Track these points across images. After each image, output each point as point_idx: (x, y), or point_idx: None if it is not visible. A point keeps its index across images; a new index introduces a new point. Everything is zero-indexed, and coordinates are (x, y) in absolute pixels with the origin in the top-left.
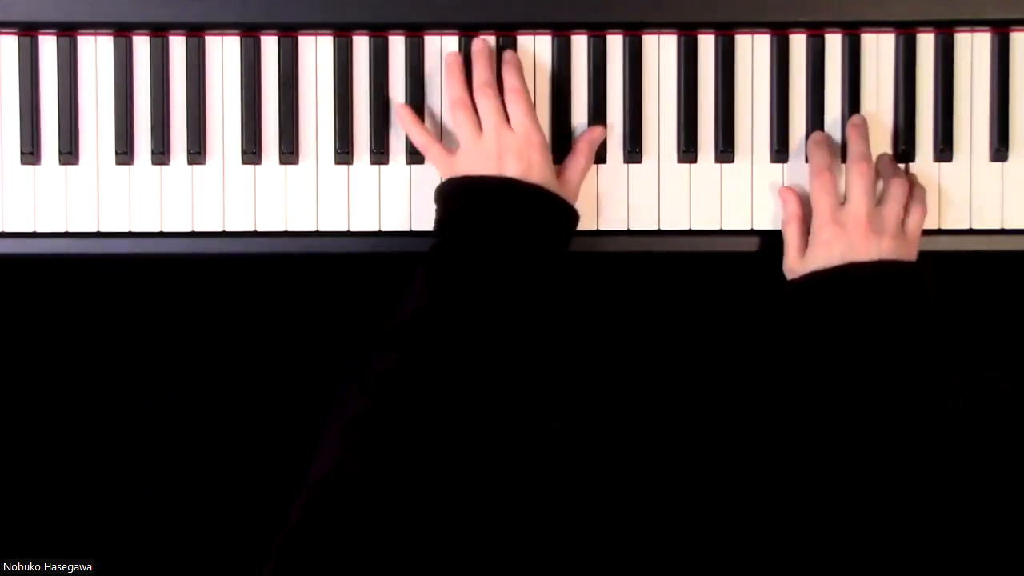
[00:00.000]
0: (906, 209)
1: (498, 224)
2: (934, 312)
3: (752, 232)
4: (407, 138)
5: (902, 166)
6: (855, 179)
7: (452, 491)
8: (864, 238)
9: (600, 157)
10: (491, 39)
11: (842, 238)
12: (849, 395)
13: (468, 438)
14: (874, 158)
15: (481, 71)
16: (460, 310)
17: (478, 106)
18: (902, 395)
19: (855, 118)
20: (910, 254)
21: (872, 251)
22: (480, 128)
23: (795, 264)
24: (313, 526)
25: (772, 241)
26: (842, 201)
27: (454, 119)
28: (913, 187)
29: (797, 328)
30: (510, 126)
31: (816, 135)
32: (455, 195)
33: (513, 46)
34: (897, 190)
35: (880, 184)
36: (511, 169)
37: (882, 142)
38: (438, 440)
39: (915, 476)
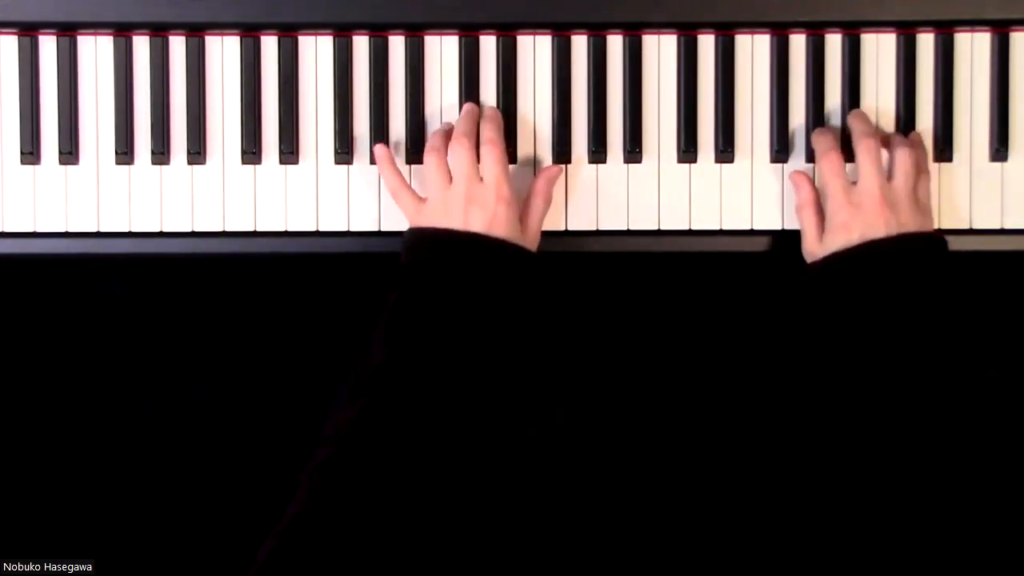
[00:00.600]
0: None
1: (460, 278)
2: (959, 280)
3: (752, 232)
4: (407, 138)
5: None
6: (863, 155)
7: (415, 540)
8: (880, 215)
9: (600, 157)
10: (491, 39)
11: (858, 218)
12: (884, 374)
13: (430, 490)
14: None
15: (461, 123)
16: (421, 364)
17: (450, 155)
18: (937, 369)
19: (855, 111)
20: (927, 224)
21: (892, 226)
22: (450, 178)
23: (814, 248)
24: (278, 571)
25: (772, 241)
26: (853, 180)
27: (426, 165)
28: (917, 156)
29: (821, 311)
30: (480, 179)
31: (819, 128)
32: (418, 246)
33: (513, 46)
34: (905, 160)
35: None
36: (476, 222)
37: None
38: (398, 493)
39: (959, 450)
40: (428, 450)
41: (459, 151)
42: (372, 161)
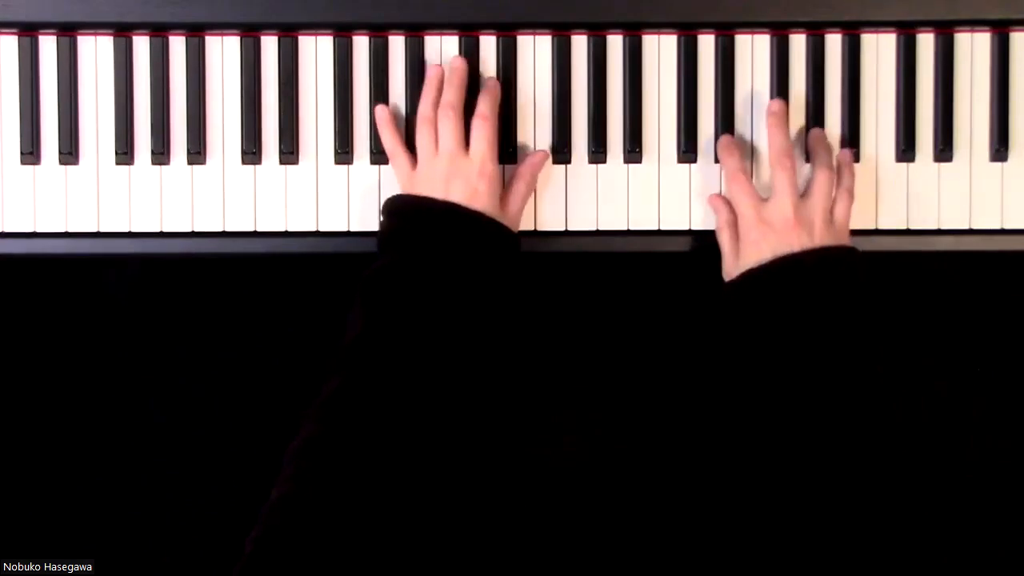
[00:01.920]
0: (833, 199)
1: (435, 247)
2: (870, 294)
3: None
4: (407, 138)
5: (905, 164)
6: (778, 174)
7: (401, 513)
8: (793, 232)
9: (600, 157)
10: (492, 39)
11: (770, 235)
12: (789, 387)
13: (412, 461)
14: (834, 143)
15: (448, 91)
16: (396, 334)
17: (439, 126)
18: (842, 380)
19: (772, 104)
20: (840, 241)
21: (804, 243)
22: (438, 148)
23: (731, 268)
24: (266, 556)
25: None
26: (766, 197)
27: (417, 134)
28: (841, 176)
29: (736, 327)
30: (467, 150)
31: (724, 139)
32: (397, 213)
33: (513, 46)
34: (822, 180)
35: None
36: (456, 194)
37: (882, 142)
38: (383, 466)
39: (875, 450)
40: (406, 423)
41: (445, 123)
42: (372, 161)
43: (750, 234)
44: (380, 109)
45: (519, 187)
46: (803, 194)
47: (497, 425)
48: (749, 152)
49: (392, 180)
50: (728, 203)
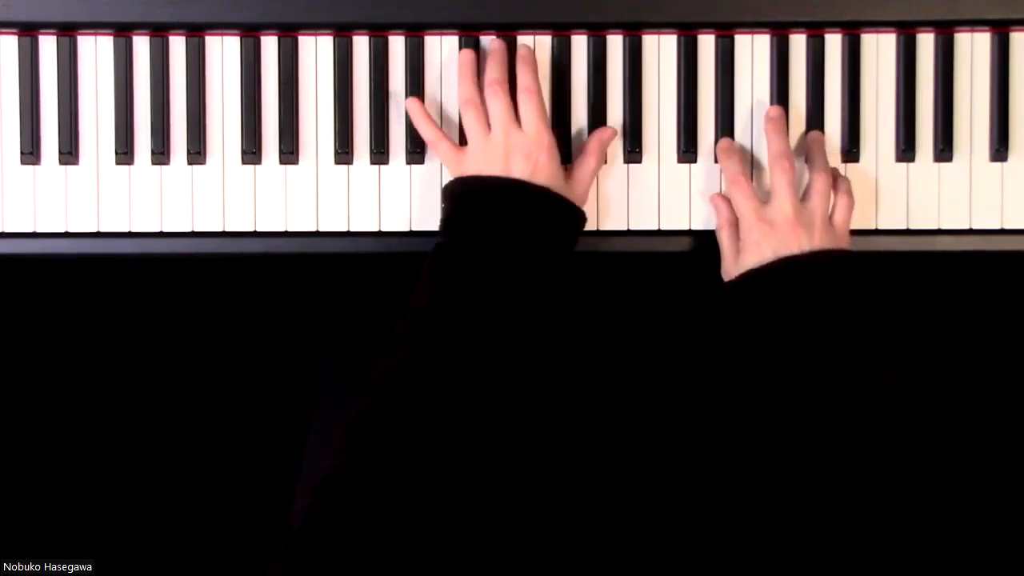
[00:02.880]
0: (833, 203)
1: (504, 225)
2: (869, 297)
3: None
4: (407, 138)
5: (905, 164)
6: (777, 176)
7: (458, 488)
8: (793, 233)
9: None
10: (492, 39)
11: (771, 236)
12: (786, 387)
13: (474, 436)
14: (827, 145)
15: (492, 69)
16: (466, 309)
17: (488, 105)
18: (839, 381)
19: (771, 111)
20: (838, 243)
21: (804, 245)
22: (488, 127)
23: (731, 268)
24: (320, 527)
25: None
26: (766, 200)
27: (464, 117)
28: (837, 179)
29: (735, 326)
30: (520, 125)
31: (724, 142)
32: (461, 194)
33: (513, 46)
34: (821, 183)
35: (807, 177)
36: (518, 170)
37: (882, 142)
38: (444, 438)
39: (873, 451)
40: (469, 400)
41: (495, 102)
42: (372, 161)
43: (751, 234)
44: (411, 102)
45: (588, 162)
46: (802, 198)
47: (552, 393)
48: (749, 154)
49: (389, 180)
50: (728, 202)
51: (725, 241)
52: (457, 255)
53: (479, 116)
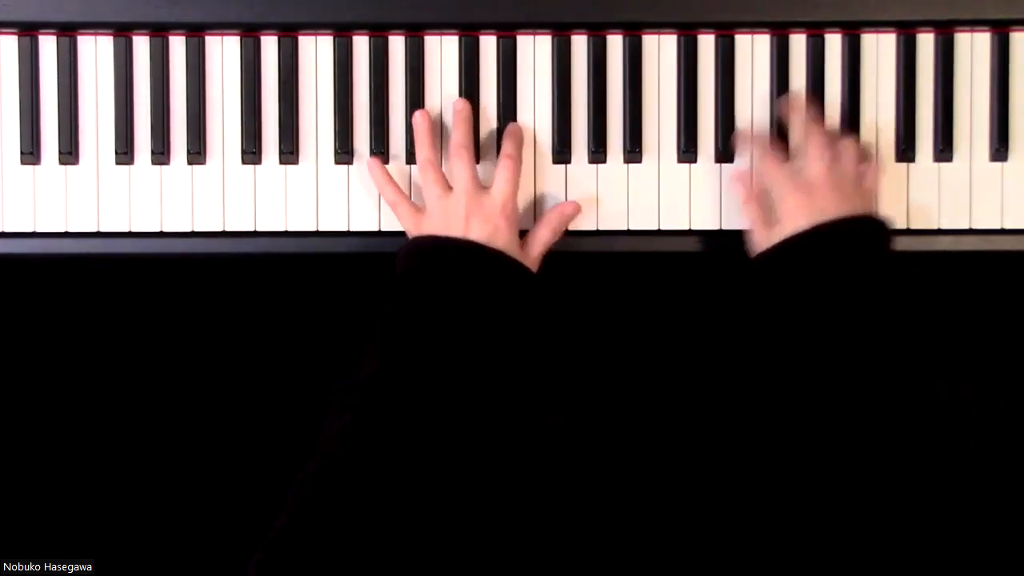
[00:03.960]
0: (863, 169)
1: (455, 287)
2: (898, 264)
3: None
4: (407, 138)
5: (905, 164)
6: (812, 140)
7: (402, 553)
8: (830, 197)
9: (600, 157)
10: (492, 39)
11: (807, 203)
12: (830, 358)
13: (418, 504)
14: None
15: (458, 133)
16: (412, 375)
17: (452, 167)
18: (881, 349)
19: (795, 101)
20: (871, 208)
21: (841, 208)
22: (448, 188)
23: (762, 240)
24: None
25: None
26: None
27: (422, 177)
28: (864, 146)
29: (772, 297)
30: (483, 189)
31: (740, 131)
32: (415, 255)
33: (513, 46)
34: (849, 147)
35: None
36: (476, 232)
37: (882, 142)
38: (385, 506)
39: (904, 432)
40: (417, 463)
41: (460, 162)
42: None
43: (786, 202)
44: (373, 164)
45: (544, 234)
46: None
47: (510, 449)
48: (749, 152)
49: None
50: (750, 177)
51: (753, 213)
52: (406, 318)
53: (438, 177)
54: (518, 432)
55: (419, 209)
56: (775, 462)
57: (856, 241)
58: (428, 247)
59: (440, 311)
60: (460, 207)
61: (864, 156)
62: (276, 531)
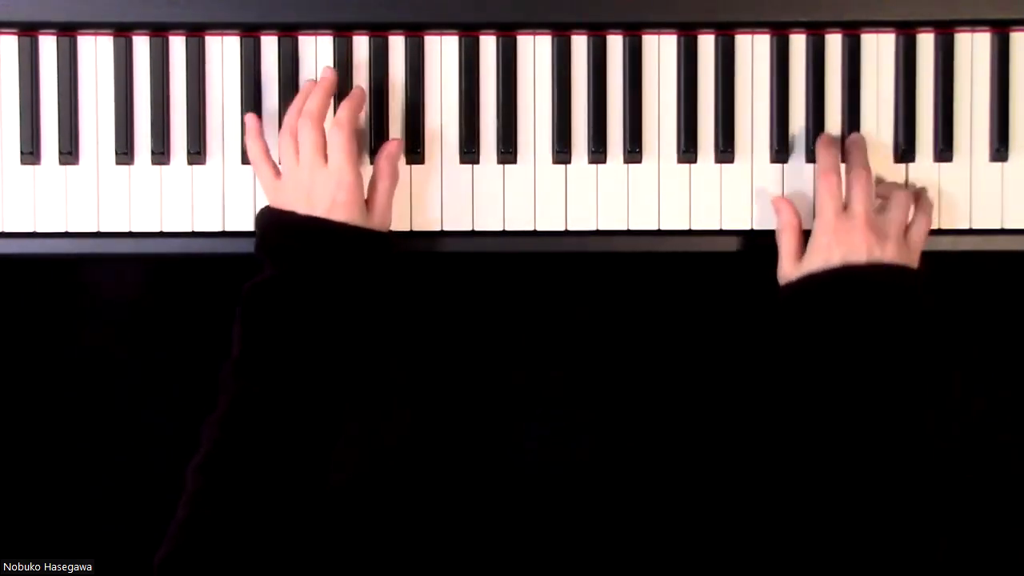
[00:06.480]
0: (911, 220)
1: (301, 263)
2: (932, 318)
3: (752, 232)
4: (407, 138)
5: (905, 164)
6: (856, 183)
7: (286, 536)
8: (865, 241)
9: (600, 157)
10: (491, 39)
11: (844, 242)
12: (844, 397)
13: (292, 487)
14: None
15: (311, 100)
16: (270, 359)
17: (299, 136)
18: (898, 397)
19: (855, 136)
20: (911, 261)
21: (873, 254)
22: (299, 158)
23: (790, 270)
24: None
25: (772, 241)
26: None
27: (280, 144)
28: (919, 199)
29: (794, 331)
30: (326, 161)
31: (825, 136)
32: (266, 229)
33: (513, 46)
34: (901, 197)
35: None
36: (319, 206)
37: (882, 142)
38: (262, 492)
39: (906, 479)
40: (285, 447)
41: (303, 133)
42: (372, 161)
43: (823, 236)
44: (250, 118)
45: (382, 185)
46: (880, 208)
47: (373, 433)
48: (749, 152)
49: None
50: (792, 206)
51: (788, 243)
52: (259, 297)
53: (291, 145)
54: (381, 394)
55: (278, 173)
56: (783, 499)
57: (880, 289)
58: (274, 222)
59: (289, 290)
60: (304, 180)
61: (920, 205)
62: (176, 523)
